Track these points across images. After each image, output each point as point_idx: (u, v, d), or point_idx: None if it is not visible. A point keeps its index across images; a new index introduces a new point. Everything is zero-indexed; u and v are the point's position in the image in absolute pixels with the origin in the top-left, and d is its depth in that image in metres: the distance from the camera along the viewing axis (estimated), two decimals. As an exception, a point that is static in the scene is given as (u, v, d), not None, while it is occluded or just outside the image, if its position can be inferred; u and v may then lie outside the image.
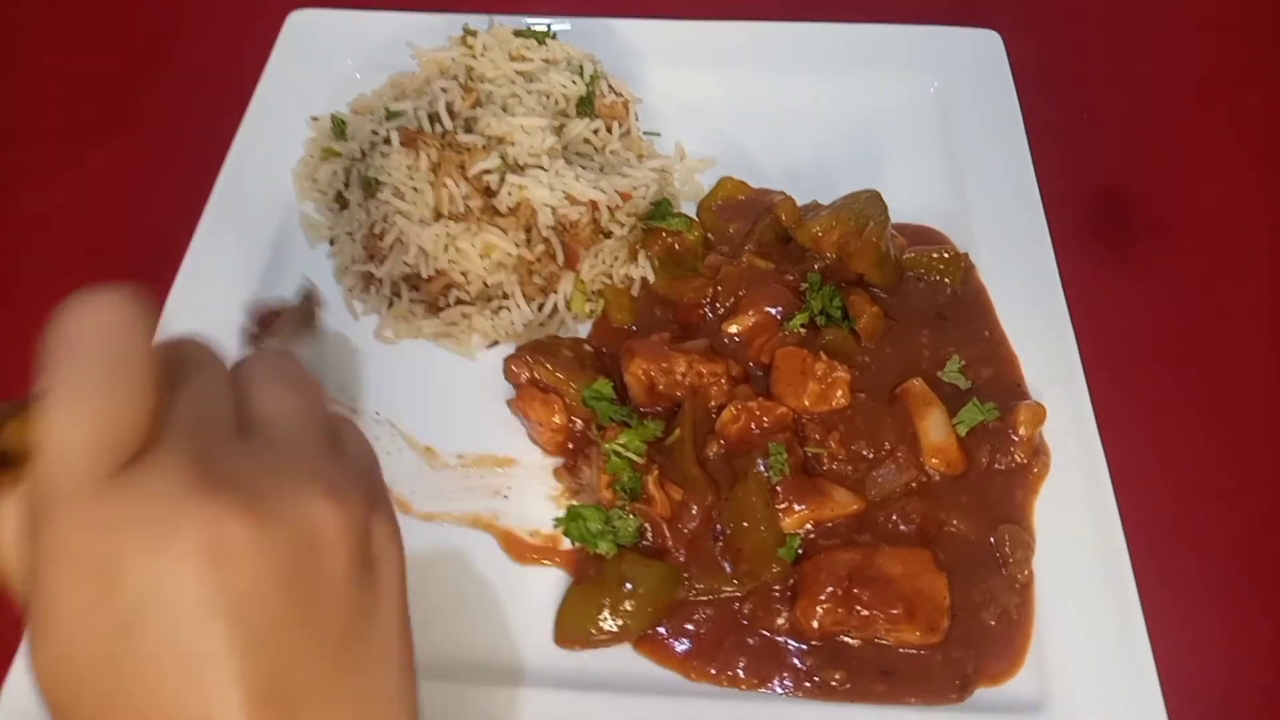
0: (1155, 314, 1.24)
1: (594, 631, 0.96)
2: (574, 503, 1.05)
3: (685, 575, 0.99)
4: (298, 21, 1.47)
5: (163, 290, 1.20)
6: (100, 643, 0.48)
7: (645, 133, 1.35)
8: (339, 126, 1.30)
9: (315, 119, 1.35)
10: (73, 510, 0.48)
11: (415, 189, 1.15)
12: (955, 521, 1.03)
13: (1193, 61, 1.52)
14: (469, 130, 1.18)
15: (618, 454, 1.01)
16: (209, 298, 1.18)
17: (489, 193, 1.16)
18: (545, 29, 1.29)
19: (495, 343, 1.19)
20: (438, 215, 1.15)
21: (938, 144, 1.37)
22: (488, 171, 1.14)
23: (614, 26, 1.46)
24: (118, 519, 0.48)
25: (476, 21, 1.38)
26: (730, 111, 1.41)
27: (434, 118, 1.18)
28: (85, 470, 0.49)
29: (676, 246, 1.24)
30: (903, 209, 1.24)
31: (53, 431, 0.49)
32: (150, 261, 1.26)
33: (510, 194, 1.14)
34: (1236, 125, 1.44)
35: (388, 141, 1.18)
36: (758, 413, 1.06)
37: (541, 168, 1.16)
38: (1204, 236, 1.31)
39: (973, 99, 1.40)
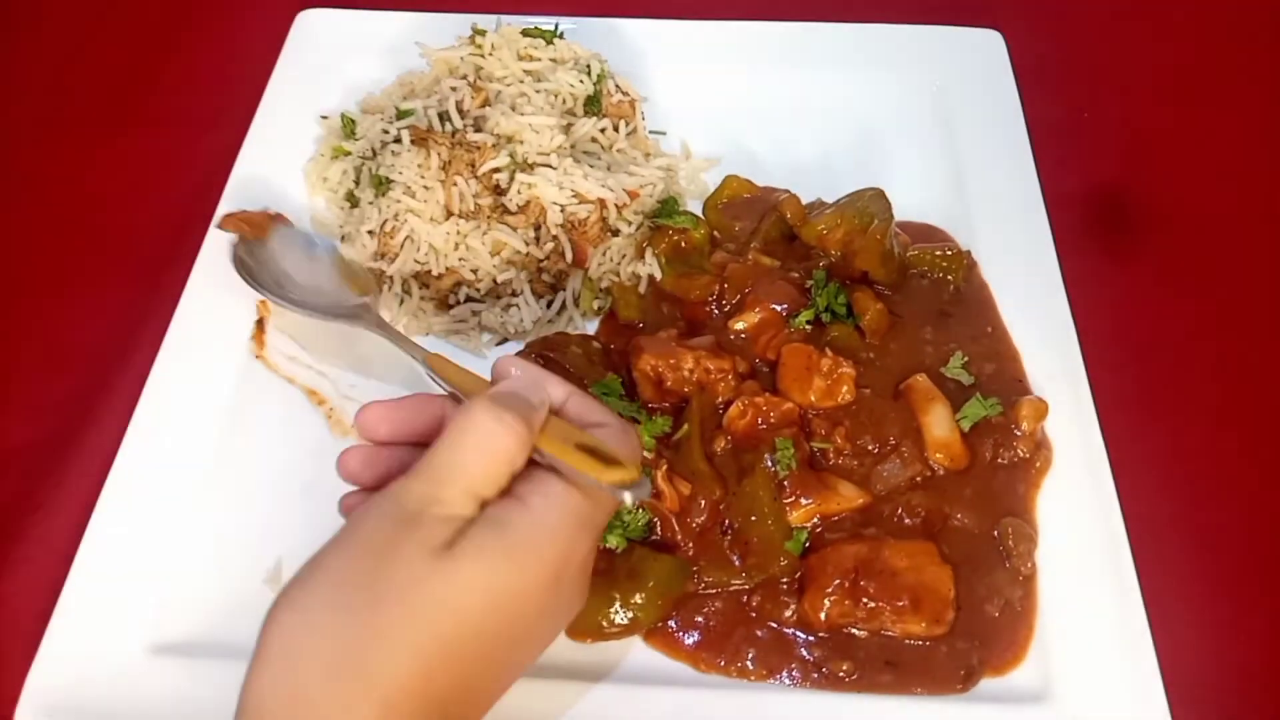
0: (1156, 309, 1.25)
1: (604, 624, 0.98)
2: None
3: (694, 568, 1.01)
4: (306, 21, 1.49)
5: (178, 282, 1.22)
6: None
7: (651, 131, 1.37)
8: (349, 126, 1.31)
9: (325, 118, 1.37)
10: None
11: (426, 187, 1.16)
12: (959, 515, 1.04)
13: (1193, 59, 1.53)
14: (478, 129, 1.19)
15: (627, 449, 1.02)
16: (223, 293, 1.20)
17: (499, 191, 1.17)
18: (553, 29, 1.30)
19: (504, 339, 1.20)
20: (448, 213, 1.17)
21: (940, 142, 1.39)
22: (497, 170, 1.16)
23: (620, 26, 1.47)
24: None
25: (484, 21, 1.39)
26: (735, 110, 1.42)
27: (444, 117, 1.19)
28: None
29: (683, 244, 1.25)
30: (906, 207, 1.26)
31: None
32: (163, 256, 1.28)
33: (520, 192, 1.16)
34: (1236, 122, 1.45)
35: (398, 141, 1.19)
36: (764, 408, 1.08)
37: (550, 166, 1.17)
38: (1204, 233, 1.33)
39: (974, 97, 1.42)
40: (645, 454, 1.03)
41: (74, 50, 1.57)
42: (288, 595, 0.67)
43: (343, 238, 1.27)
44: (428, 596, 0.66)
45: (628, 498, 0.72)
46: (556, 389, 0.80)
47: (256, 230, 1.16)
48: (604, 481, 0.71)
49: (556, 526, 0.71)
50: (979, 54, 1.46)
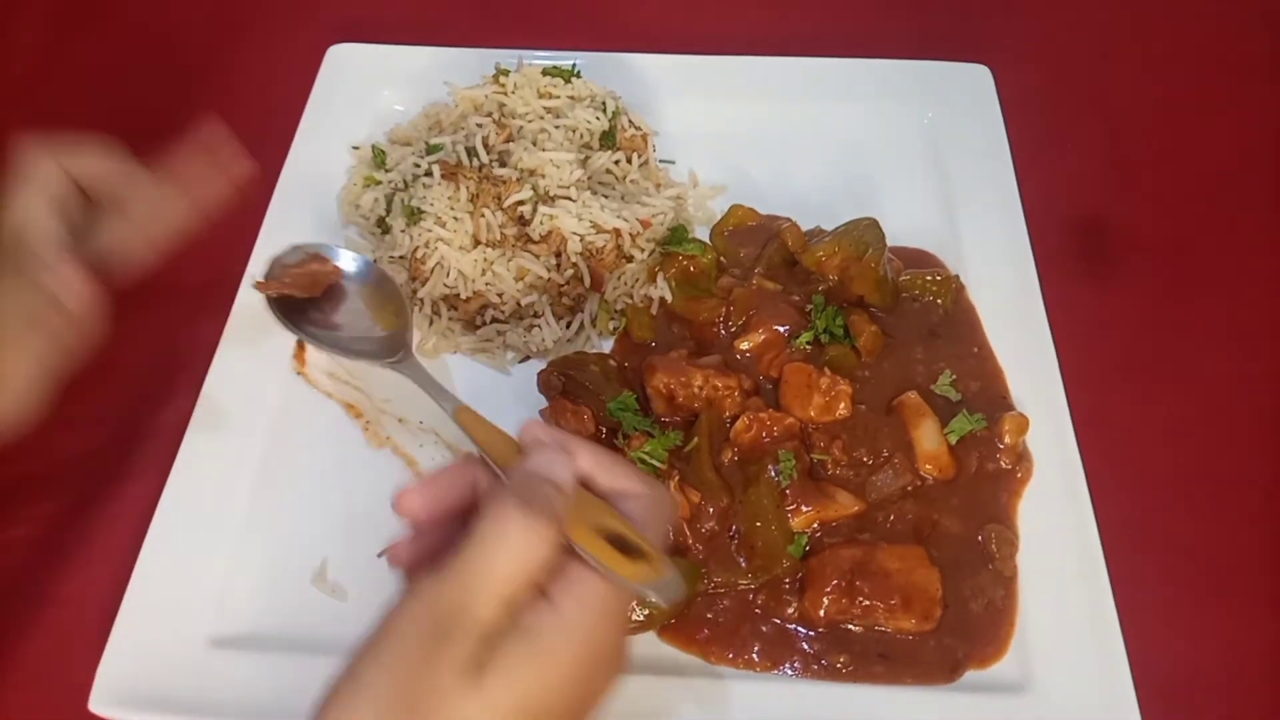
0: (1131, 331, 1.34)
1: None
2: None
3: (704, 570, 1.10)
4: (338, 55, 1.58)
5: (223, 299, 1.31)
6: None
7: (661, 160, 1.46)
8: (379, 156, 1.41)
9: (356, 148, 1.46)
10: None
11: (455, 218, 1.25)
12: (947, 521, 1.13)
13: (1171, 92, 1.62)
14: (503, 164, 1.29)
15: (642, 461, 1.11)
16: (267, 314, 1.29)
17: (523, 222, 1.27)
18: (571, 67, 1.40)
19: (527, 357, 1.29)
20: (476, 242, 1.26)
21: (931, 172, 1.48)
22: (521, 202, 1.25)
23: (631, 60, 1.56)
24: None
25: (503, 56, 1.49)
26: (740, 141, 1.51)
27: (471, 152, 1.29)
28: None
29: (691, 269, 1.34)
30: (899, 233, 1.35)
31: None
32: (208, 276, 1.35)
33: (542, 223, 1.25)
34: (1213, 153, 1.54)
35: (429, 174, 1.29)
36: (768, 423, 1.17)
37: (570, 199, 1.27)
38: (1178, 259, 1.42)
39: (964, 129, 1.51)
40: (659, 465, 1.12)
41: (114, 84, 1.65)
42: (329, 715, 0.69)
43: (375, 262, 1.37)
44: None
45: (656, 598, 0.74)
46: (584, 456, 0.81)
47: (309, 288, 1.12)
48: (633, 582, 0.73)
49: (590, 629, 0.73)
50: (968, 88, 1.55)
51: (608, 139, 1.36)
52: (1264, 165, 1.52)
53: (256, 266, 1.34)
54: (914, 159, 1.50)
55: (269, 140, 1.50)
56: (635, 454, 1.12)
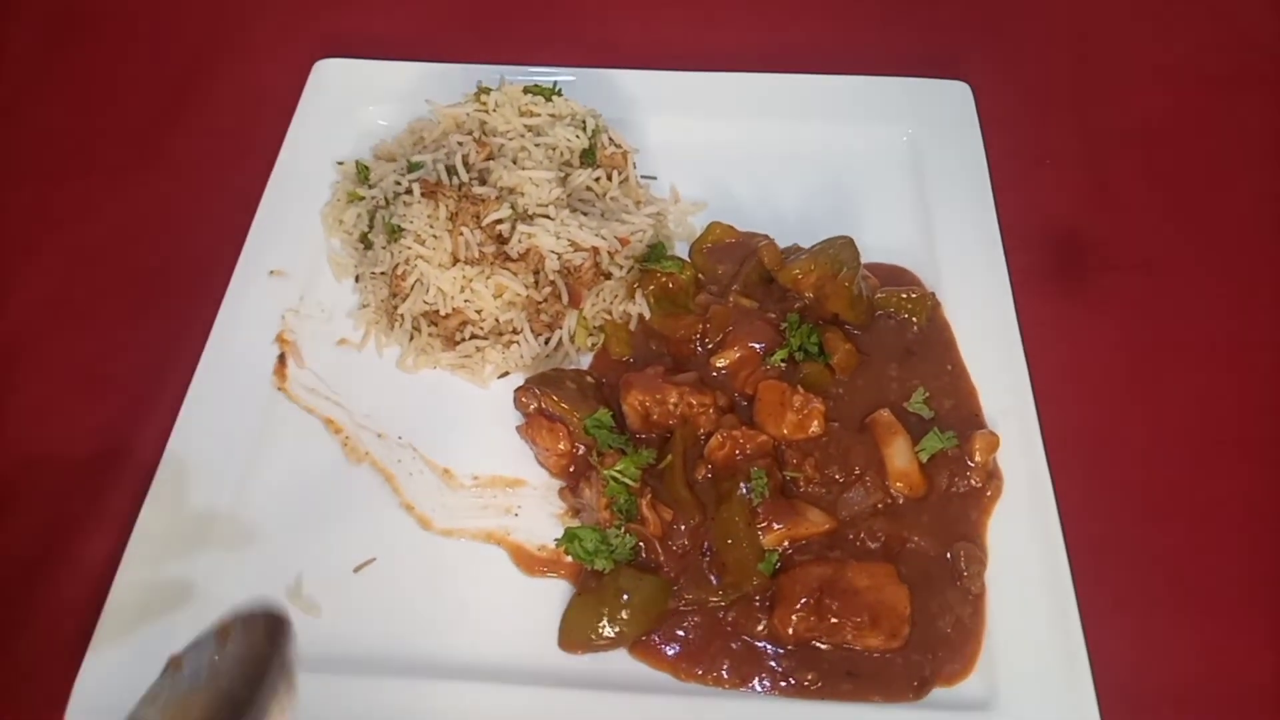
0: (1102, 348, 1.35)
1: (594, 637, 1.08)
2: (574, 523, 1.18)
3: (675, 587, 1.11)
4: (323, 70, 1.59)
5: (206, 312, 1.33)
6: None
7: (643, 176, 1.47)
8: (363, 172, 1.42)
9: (341, 163, 1.48)
10: None
11: (435, 236, 1.27)
12: (916, 539, 1.15)
13: (1147, 110, 1.63)
14: (483, 182, 1.30)
15: (615, 479, 1.13)
16: (248, 330, 1.32)
17: (501, 240, 1.28)
18: (552, 86, 1.41)
19: (506, 373, 1.31)
20: (455, 260, 1.28)
21: (909, 188, 1.49)
22: (500, 221, 1.27)
23: (614, 77, 1.58)
24: None
25: (487, 71, 1.50)
26: (721, 156, 1.53)
27: (451, 170, 1.30)
28: None
29: (670, 285, 1.35)
30: (876, 250, 1.36)
31: None
32: (191, 290, 1.38)
33: (520, 241, 1.26)
34: (1188, 171, 1.55)
35: (410, 192, 1.30)
36: (741, 440, 1.18)
37: (548, 217, 1.28)
38: (1150, 276, 1.43)
39: (943, 146, 1.52)
40: (631, 484, 1.13)
41: (102, 96, 1.67)
42: None
43: (357, 277, 1.38)
44: None
45: None
46: None
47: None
48: None
49: None
50: (948, 104, 1.56)
51: (588, 156, 1.37)
52: (1240, 183, 1.53)
53: (239, 282, 1.36)
54: (893, 175, 1.51)
55: (253, 153, 1.52)
56: (608, 472, 1.13)
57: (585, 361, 1.33)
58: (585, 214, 1.33)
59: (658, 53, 1.65)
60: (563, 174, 1.34)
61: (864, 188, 1.50)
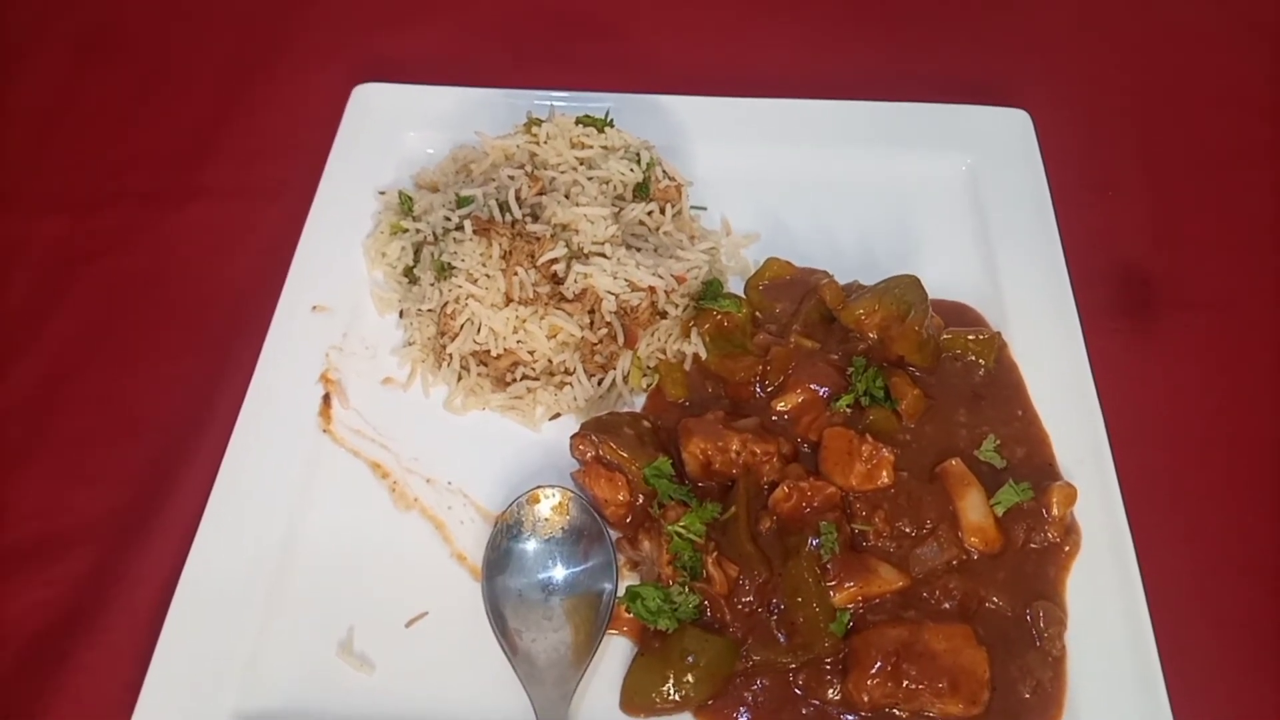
0: (1178, 390, 1.31)
1: (657, 700, 1.04)
2: (632, 575, 1.13)
3: (743, 648, 1.07)
4: (363, 95, 1.55)
5: (247, 351, 1.29)
6: None
7: (692, 207, 1.43)
8: (406, 203, 1.38)
9: (383, 193, 1.43)
10: None
11: (488, 275, 1.23)
12: (994, 598, 1.10)
13: (1215, 140, 1.58)
14: (535, 217, 1.26)
15: (680, 535, 1.08)
16: (293, 369, 1.28)
17: (556, 279, 1.24)
18: (604, 116, 1.36)
19: (557, 415, 1.26)
20: (508, 300, 1.23)
21: (970, 221, 1.45)
22: (555, 260, 1.22)
23: (662, 103, 1.53)
24: None
25: (531, 96, 1.47)
26: (772, 185, 1.48)
27: (503, 206, 1.26)
28: None
29: (726, 324, 1.31)
30: (937, 285, 1.31)
31: None
32: (232, 327, 1.35)
33: (576, 281, 1.22)
34: (1258, 202, 1.50)
35: (460, 228, 1.26)
36: (808, 492, 1.13)
37: (604, 255, 1.24)
38: (1226, 313, 1.38)
39: (1004, 177, 1.47)
40: (696, 539, 1.09)
41: (137, 122, 1.63)
42: None
43: (401, 313, 1.34)
44: None
45: None
46: None
47: None
48: None
49: None
50: (1008, 133, 1.51)
51: (641, 190, 1.32)
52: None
53: (282, 317, 1.32)
54: (953, 206, 1.47)
55: (293, 181, 1.48)
56: (671, 528, 1.09)
57: (638, 403, 1.29)
58: (639, 249, 1.29)
59: (705, 78, 1.59)
60: (616, 209, 1.30)
61: (922, 220, 1.46)
